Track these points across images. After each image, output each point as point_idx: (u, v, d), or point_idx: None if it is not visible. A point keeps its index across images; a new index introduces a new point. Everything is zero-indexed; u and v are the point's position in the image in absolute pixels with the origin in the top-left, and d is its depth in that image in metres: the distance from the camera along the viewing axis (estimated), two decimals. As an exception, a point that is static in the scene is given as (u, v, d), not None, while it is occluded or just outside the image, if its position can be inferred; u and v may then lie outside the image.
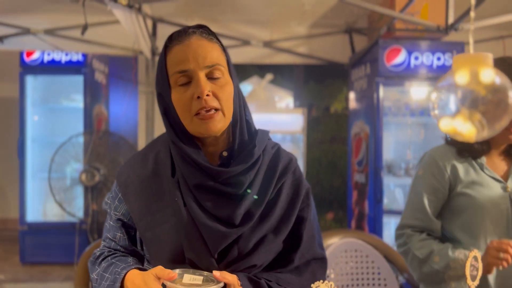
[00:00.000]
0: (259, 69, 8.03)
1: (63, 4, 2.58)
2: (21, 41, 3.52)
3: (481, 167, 1.40)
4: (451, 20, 2.25)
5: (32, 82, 4.28)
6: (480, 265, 1.10)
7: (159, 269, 0.86)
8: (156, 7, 3.36)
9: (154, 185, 1.00)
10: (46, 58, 4.19)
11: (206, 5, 3.33)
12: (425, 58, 3.19)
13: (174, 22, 3.52)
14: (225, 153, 1.00)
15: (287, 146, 3.85)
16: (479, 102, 0.74)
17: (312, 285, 0.82)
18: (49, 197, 4.29)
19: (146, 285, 0.86)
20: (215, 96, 0.93)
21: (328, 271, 1.77)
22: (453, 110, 0.78)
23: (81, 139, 3.96)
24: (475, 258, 1.08)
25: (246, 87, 4.83)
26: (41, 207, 4.42)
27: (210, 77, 0.94)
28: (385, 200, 3.37)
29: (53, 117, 4.44)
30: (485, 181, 1.39)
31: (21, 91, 4.18)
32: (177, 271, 0.89)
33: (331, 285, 0.86)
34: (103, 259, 1.03)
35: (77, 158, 3.93)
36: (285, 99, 9.18)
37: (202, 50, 0.93)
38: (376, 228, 3.21)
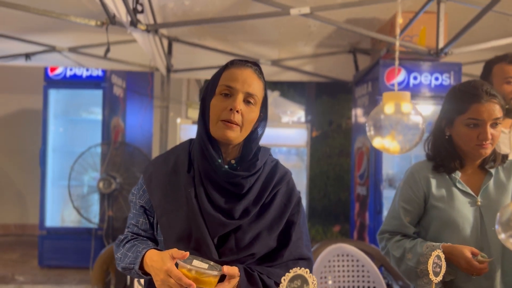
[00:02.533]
0: (272, 84, 8.29)
1: (86, 24, 2.84)
2: (46, 58, 3.81)
3: (455, 182, 1.54)
4: (441, 44, 2.43)
5: (54, 95, 4.56)
6: (443, 264, 1.26)
7: (175, 250, 1.07)
8: (172, 28, 3.62)
9: (172, 180, 1.24)
10: (69, 73, 4.46)
11: (218, 26, 3.57)
12: (424, 78, 3.37)
13: (188, 42, 3.78)
14: (233, 161, 1.25)
15: (292, 159, 4.05)
16: (401, 126, 0.95)
17: (291, 270, 1.01)
18: (67, 204, 4.54)
19: (163, 261, 1.07)
20: (242, 115, 1.18)
21: (321, 272, 1.95)
22: (383, 131, 1.00)
23: (99, 149, 4.21)
24: (438, 257, 1.25)
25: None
26: (59, 213, 4.67)
27: (246, 100, 1.19)
28: (385, 212, 3.52)
29: (73, 128, 4.70)
30: (456, 195, 1.52)
31: (44, 103, 4.46)
32: (188, 256, 1.09)
33: (310, 275, 1.04)
34: (126, 242, 1.27)
35: (94, 167, 4.17)
36: (297, 113, 9.40)
37: (250, 80, 1.20)
38: (376, 239, 3.35)
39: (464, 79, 3.70)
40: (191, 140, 1.32)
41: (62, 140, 4.65)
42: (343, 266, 1.98)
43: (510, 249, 1.10)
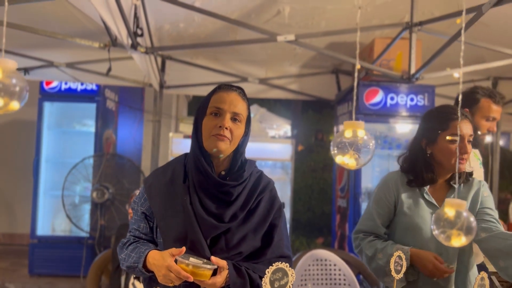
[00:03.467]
0: (260, 100, 8.56)
1: (86, 41, 3.05)
2: (44, 73, 3.99)
3: (422, 193, 1.77)
4: (413, 70, 2.69)
5: (49, 108, 4.71)
6: (404, 263, 1.48)
7: (173, 249, 1.28)
8: (167, 44, 3.84)
9: (170, 189, 1.43)
10: (63, 87, 4.62)
11: (212, 42, 3.80)
12: (400, 99, 3.65)
13: (181, 60, 4.00)
14: (223, 172, 1.46)
15: (277, 172, 4.27)
16: (357, 147, 1.21)
17: (273, 264, 1.21)
18: (57, 213, 4.67)
19: (163, 259, 1.27)
20: (230, 131, 1.39)
21: (300, 278, 2.15)
22: (344, 150, 1.25)
23: (91, 161, 4.37)
24: (399, 257, 1.47)
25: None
26: (50, 222, 4.78)
27: (233, 118, 1.41)
28: (364, 224, 3.75)
29: (66, 139, 4.83)
30: (422, 205, 1.75)
31: (39, 115, 4.61)
32: (186, 254, 1.29)
33: (290, 269, 1.25)
34: (129, 244, 1.45)
35: (87, 178, 4.32)
36: (283, 127, 9.66)
37: (236, 102, 1.41)
38: (355, 248, 3.57)
39: (437, 99, 4.00)
40: (186, 154, 1.51)
41: (55, 151, 4.78)
42: (321, 270, 2.18)
43: (442, 242, 1.33)
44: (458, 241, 1.18)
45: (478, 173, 2.40)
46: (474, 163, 2.41)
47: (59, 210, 4.49)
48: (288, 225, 4.42)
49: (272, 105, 11.29)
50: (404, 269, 1.48)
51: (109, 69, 2.96)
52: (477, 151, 2.51)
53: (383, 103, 3.63)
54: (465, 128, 1.70)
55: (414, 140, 1.84)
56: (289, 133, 9.29)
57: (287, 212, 4.30)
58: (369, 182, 3.99)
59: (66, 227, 4.71)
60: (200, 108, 1.45)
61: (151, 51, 2.93)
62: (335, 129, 4.36)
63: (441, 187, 1.81)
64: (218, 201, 1.41)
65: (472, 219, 1.21)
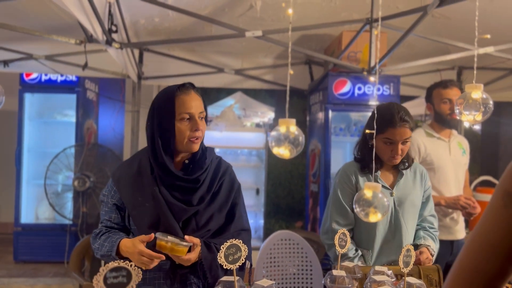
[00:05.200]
0: (240, 89, 8.67)
1: (61, 34, 3.14)
2: (24, 65, 4.06)
3: (376, 178, 1.99)
4: (373, 63, 2.89)
5: (30, 99, 4.80)
6: (348, 240, 1.69)
7: (142, 236, 1.45)
8: (143, 38, 3.95)
9: (137, 180, 1.59)
10: (44, 78, 4.72)
11: (186, 38, 3.93)
12: (367, 89, 3.85)
13: (158, 51, 4.12)
14: (187, 161, 1.63)
15: (253, 160, 4.46)
16: (290, 140, 1.43)
17: (228, 241, 1.40)
18: (41, 202, 4.79)
19: (134, 246, 1.44)
20: (201, 130, 1.58)
21: (267, 254, 2.35)
22: (279, 143, 1.47)
23: (73, 150, 4.49)
24: (344, 234, 1.68)
25: (230, 101, 5.35)
26: (33, 210, 4.91)
27: (200, 117, 1.59)
28: (334, 207, 3.98)
29: (47, 130, 4.94)
30: None
31: (20, 106, 4.70)
32: (159, 234, 1.46)
33: (242, 245, 1.44)
34: (102, 234, 1.60)
35: (69, 167, 4.45)
36: (268, 114, 9.80)
37: (198, 102, 1.59)
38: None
39: (404, 88, 4.21)
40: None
41: (36, 141, 4.88)
42: (285, 248, 2.39)
43: (361, 218, 1.56)
44: (375, 217, 1.40)
45: (460, 162, 2.65)
46: (456, 151, 2.66)
47: (42, 198, 4.62)
48: (262, 209, 4.65)
49: (257, 92, 11.41)
50: (348, 245, 1.69)
51: (85, 65, 3.09)
52: (462, 140, 2.76)
53: (351, 93, 3.83)
54: (400, 134, 1.89)
55: (362, 133, 2.05)
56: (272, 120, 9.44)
57: (262, 196, 4.52)
58: (338, 167, 4.20)
59: (49, 215, 4.84)
60: (165, 111, 1.56)
61: (126, 47, 3.06)
62: (307, 118, 4.55)
63: (389, 172, 2.04)
64: (185, 188, 1.58)
65: (385, 199, 1.44)
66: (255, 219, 4.57)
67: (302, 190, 7.66)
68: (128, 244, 1.47)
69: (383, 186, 1.98)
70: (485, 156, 7.36)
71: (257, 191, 4.37)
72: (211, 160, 1.67)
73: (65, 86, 4.76)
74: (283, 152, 1.59)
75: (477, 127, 7.87)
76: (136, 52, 4.08)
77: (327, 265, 3.22)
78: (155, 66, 4.25)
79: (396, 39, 3.02)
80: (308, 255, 2.41)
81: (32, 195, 4.87)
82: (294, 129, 1.55)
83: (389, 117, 1.90)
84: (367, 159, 1.94)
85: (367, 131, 1.86)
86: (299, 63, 4.46)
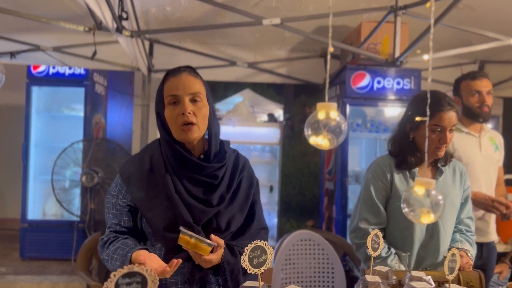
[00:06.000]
0: (252, 84, 8.52)
1: (70, 25, 3.02)
2: (31, 57, 3.95)
3: (413, 175, 1.82)
4: (397, 54, 2.72)
5: (37, 92, 4.68)
6: (381, 241, 1.54)
7: (164, 265, 1.24)
8: (154, 28, 3.82)
9: (150, 178, 1.41)
10: (51, 71, 4.60)
11: (198, 26, 3.79)
12: (387, 83, 3.68)
13: (169, 44, 3.98)
14: (202, 156, 1.46)
15: (266, 156, 4.31)
16: (330, 129, 1.26)
17: (252, 242, 1.25)
18: (48, 198, 4.68)
19: (149, 263, 1.24)
20: (194, 114, 1.38)
21: (286, 255, 2.21)
22: (317, 131, 1.30)
23: (81, 145, 4.37)
24: (376, 235, 1.52)
25: (238, 98, 5.26)
26: (40, 206, 4.80)
27: (192, 100, 1.38)
28: (351, 206, 3.82)
29: (55, 124, 4.82)
30: None
31: (27, 100, 4.58)
32: (183, 228, 1.30)
33: (268, 246, 1.29)
34: (110, 243, 1.41)
35: (76, 162, 4.33)
36: (276, 111, 9.67)
37: (188, 82, 1.38)
38: (341, 230, 3.65)
39: (424, 83, 4.04)
40: (159, 140, 1.47)
41: (44, 136, 4.78)
42: (305, 249, 2.24)
43: (411, 220, 1.39)
44: (427, 218, 1.23)
45: (492, 159, 2.48)
46: (487, 146, 2.49)
47: (49, 194, 4.50)
48: (276, 207, 4.50)
49: (265, 89, 11.26)
50: (381, 247, 1.54)
51: (94, 53, 2.95)
52: (495, 135, 2.59)
53: (370, 87, 3.66)
54: (449, 119, 1.73)
55: (400, 124, 1.88)
56: (281, 118, 9.31)
57: (276, 195, 4.37)
58: (356, 165, 4.05)
59: (57, 211, 4.74)
60: (157, 103, 1.42)
61: (137, 35, 2.92)
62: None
63: (428, 169, 1.87)
64: (203, 185, 1.42)
65: (440, 197, 1.25)
66: (269, 217, 4.43)
67: (313, 188, 7.50)
68: (141, 259, 1.26)
69: None
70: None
71: (271, 189, 4.22)
72: (229, 154, 1.50)
73: (73, 80, 4.63)
74: (322, 142, 1.41)
75: (491, 126, 7.66)
76: (147, 44, 3.94)
77: (345, 266, 3.07)
78: (165, 58, 4.11)
79: (417, 32, 2.85)
80: (330, 256, 2.26)
81: (39, 191, 4.77)
82: (335, 115, 1.35)
83: (437, 101, 1.74)
84: (407, 153, 1.77)
85: (417, 118, 1.68)
86: (314, 56, 4.30)
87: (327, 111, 1.35)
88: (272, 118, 6.39)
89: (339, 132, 1.36)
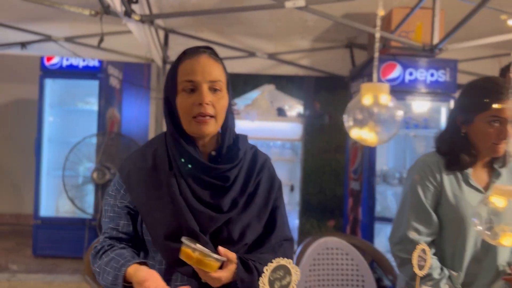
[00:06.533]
0: (270, 77, 8.27)
1: (82, 14, 2.82)
2: (42, 47, 3.79)
3: (466, 178, 1.54)
4: (436, 41, 2.43)
5: (50, 85, 4.54)
6: (428, 257, 1.27)
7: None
8: (168, 19, 3.61)
9: (153, 177, 1.19)
10: (65, 63, 4.45)
11: (215, 19, 3.56)
12: (419, 74, 3.37)
13: (184, 33, 3.77)
14: (213, 153, 1.23)
15: (286, 153, 4.06)
16: (378, 118, 0.96)
17: (273, 260, 1.01)
18: (61, 194, 4.54)
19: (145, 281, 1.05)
20: (213, 105, 1.15)
21: (310, 265, 1.96)
22: (361, 123, 1.00)
23: (94, 140, 4.21)
24: (423, 251, 1.26)
25: (255, 94, 5.02)
26: (54, 203, 4.67)
27: (212, 89, 1.16)
28: (378, 208, 3.54)
29: (69, 118, 4.68)
30: (467, 193, 1.52)
31: (40, 93, 4.45)
32: (185, 239, 1.09)
33: (293, 266, 1.05)
34: (103, 253, 1.19)
35: (89, 158, 4.17)
36: (295, 107, 9.41)
37: (209, 67, 1.16)
38: (368, 234, 3.38)
39: (459, 76, 3.71)
40: (166, 133, 1.26)
41: (57, 130, 4.64)
42: (332, 259, 1.99)
43: (486, 240, 1.11)
44: (509, 240, 0.94)
45: None
46: None
47: (62, 190, 4.36)
48: (297, 208, 4.24)
49: (284, 85, 10.99)
50: (428, 264, 1.28)
51: (101, 40, 2.75)
52: None
53: (401, 79, 3.37)
54: (510, 109, 1.44)
55: (449, 117, 1.59)
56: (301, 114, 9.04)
57: (297, 195, 4.11)
58: (384, 164, 3.76)
59: (70, 208, 4.58)
60: (167, 84, 1.20)
61: (147, 19, 2.70)
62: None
63: (482, 171, 1.57)
64: (212, 188, 1.18)
65: None
66: (289, 219, 4.17)
67: (335, 187, 7.21)
68: (139, 277, 1.07)
69: (475, 188, 1.54)
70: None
71: (292, 188, 3.97)
72: (244, 151, 1.26)
73: (87, 72, 4.47)
74: (367, 136, 1.09)
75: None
76: (162, 34, 3.73)
77: (374, 275, 2.81)
78: (181, 49, 3.81)
79: (452, 22, 2.55)
80: (360, 268, 2.00)
81: (52, 187, 4.63)
82: (386, 99, 1.03)
83: (496, 89, 1.46)
84: (459, 151, 1.50)
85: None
86: (339, 47, 4.01)
87: (375, 95, 1.02)
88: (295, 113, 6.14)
89: (391, 124, 1.03)
